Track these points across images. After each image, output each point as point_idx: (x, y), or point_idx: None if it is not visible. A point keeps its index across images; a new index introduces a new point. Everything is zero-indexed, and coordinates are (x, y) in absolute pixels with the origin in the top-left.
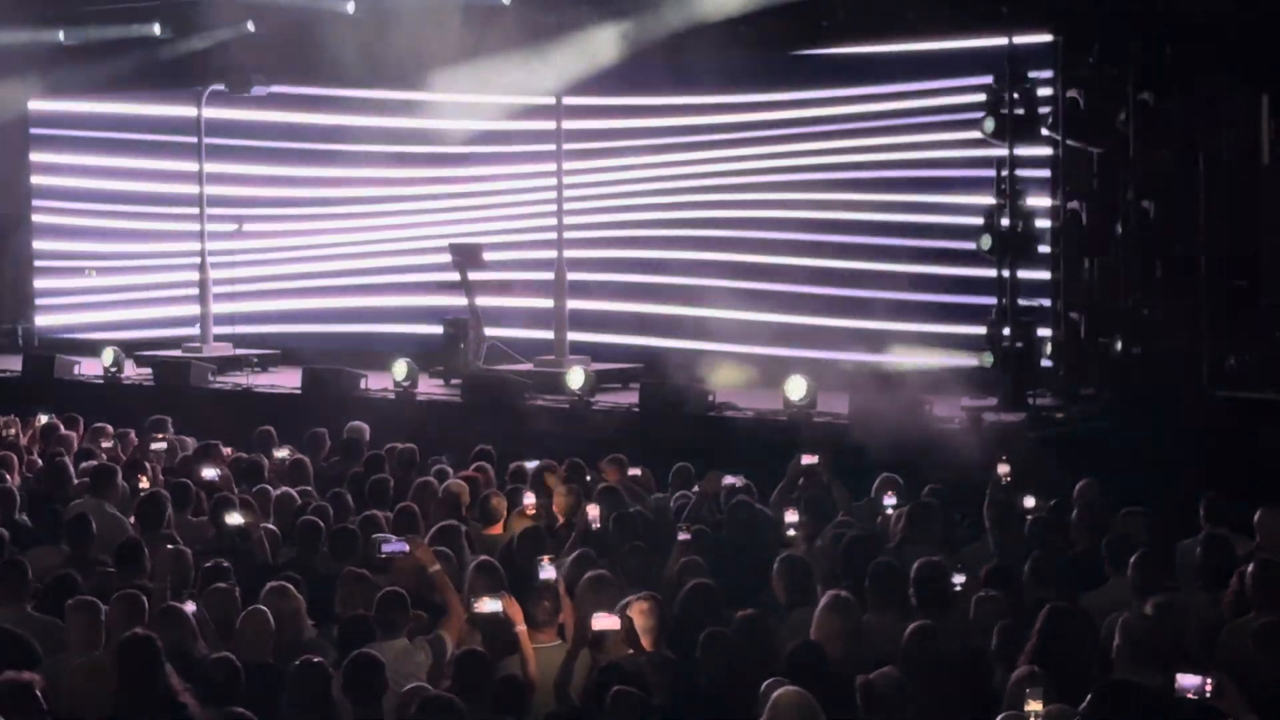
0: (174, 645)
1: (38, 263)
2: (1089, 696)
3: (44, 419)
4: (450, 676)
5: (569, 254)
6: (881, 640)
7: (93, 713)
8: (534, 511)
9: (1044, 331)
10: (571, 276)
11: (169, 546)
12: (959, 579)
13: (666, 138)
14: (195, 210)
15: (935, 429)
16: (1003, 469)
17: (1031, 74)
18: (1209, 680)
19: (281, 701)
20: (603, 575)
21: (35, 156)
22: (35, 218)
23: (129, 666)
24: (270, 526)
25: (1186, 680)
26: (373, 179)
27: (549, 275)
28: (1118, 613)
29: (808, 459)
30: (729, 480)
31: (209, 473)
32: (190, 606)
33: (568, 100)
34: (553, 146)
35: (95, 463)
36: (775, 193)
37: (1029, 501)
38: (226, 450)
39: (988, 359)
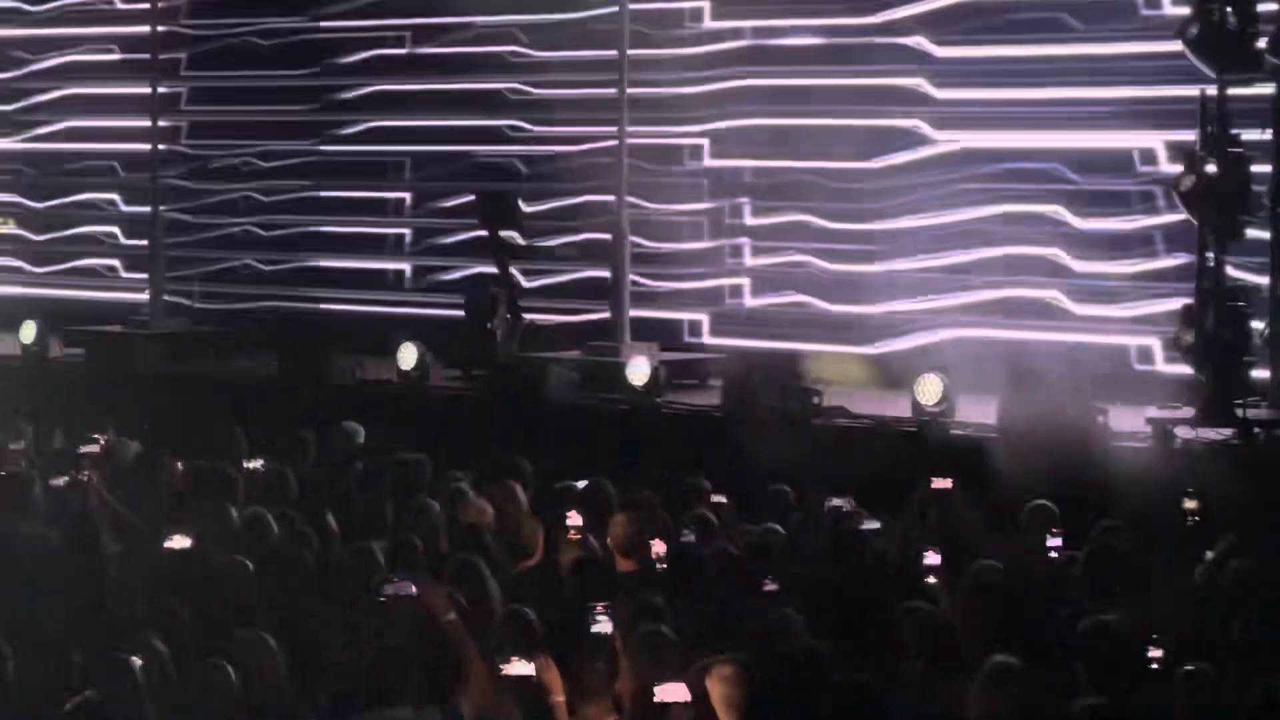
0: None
1: None
2: None
3: None
4: None
5: None
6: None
7: None
8: (578, 537)
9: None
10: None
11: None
12: (1156, 652)
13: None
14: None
15: (1110, 448)
16: (1190, 505)
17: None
18: None
19: None
20: (658, 631)
21: None
22: None
23: None
24: (239, 559)
25: None
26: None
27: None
28: None
29: (939, 484)
30: (835, 502)
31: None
32: (136, 661)
33: None
34: None
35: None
36: None
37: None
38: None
39: (1187, 337)
